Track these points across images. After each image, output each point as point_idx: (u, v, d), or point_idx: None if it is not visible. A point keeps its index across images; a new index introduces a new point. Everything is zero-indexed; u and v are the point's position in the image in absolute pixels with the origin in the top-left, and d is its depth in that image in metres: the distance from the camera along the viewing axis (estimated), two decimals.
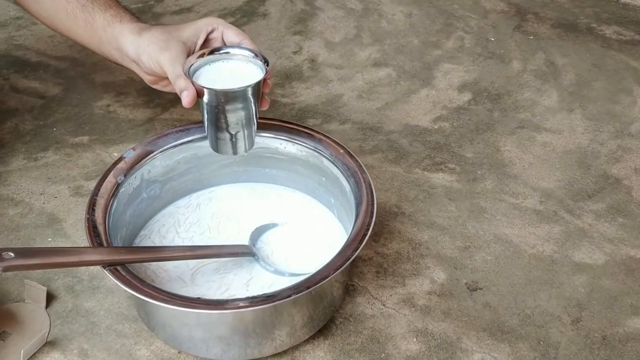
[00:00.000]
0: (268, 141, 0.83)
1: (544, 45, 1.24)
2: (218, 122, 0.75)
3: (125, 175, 0.76)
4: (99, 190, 0.74)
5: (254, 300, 0.63)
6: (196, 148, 0.81)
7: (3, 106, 1.07)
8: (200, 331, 0.68)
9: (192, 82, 0.74)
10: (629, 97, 1.11)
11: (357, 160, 0.78)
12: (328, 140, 0.81)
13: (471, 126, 1.05)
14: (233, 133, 0.76)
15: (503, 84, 1.14)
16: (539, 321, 0.75)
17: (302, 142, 0.82)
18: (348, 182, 0.77)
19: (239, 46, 0.78)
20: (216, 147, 0.78)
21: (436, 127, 1.04)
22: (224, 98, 0.73)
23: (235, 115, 0.74)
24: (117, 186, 0.75)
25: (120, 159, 0.78)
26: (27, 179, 0.93)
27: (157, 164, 0.80)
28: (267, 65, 0.75)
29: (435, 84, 1.14)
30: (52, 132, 1.02)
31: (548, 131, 1.04)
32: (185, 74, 0.75)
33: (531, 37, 1.26)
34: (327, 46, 1.24)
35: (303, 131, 0.82)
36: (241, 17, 1.32)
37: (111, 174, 0.76)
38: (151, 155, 0.79)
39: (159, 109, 1.06)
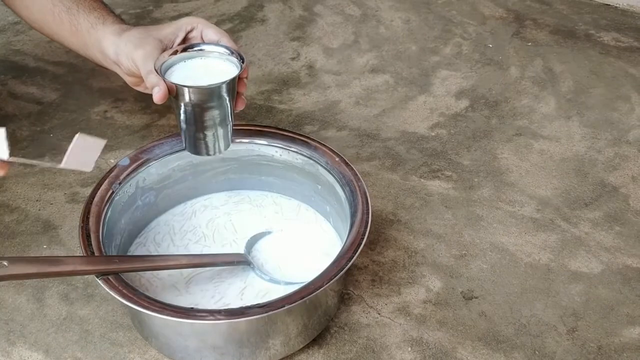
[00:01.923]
0: (264, 149, 0.82)
1: (542, 52, 1.24)
2: (191, 121, 0.73)
3: (120, 183, 0.76)
4: (93, 198, 0.74)
5: (248, 310, 0.63)
6: (191, 155, 0.81)
7: (0, 112, 1.07)
8: (194, 341, 0.67)
9: (164, 79, 0.72)
10: (627, 104, 1.11)
11: (352, 169, 0.78)
12: (324, 148, 0.81)
13: (468, 133, 1.04)
14: (207, 133, 0.74)
15: (501, 91, 1.14)
16: (535, 331, 0.75)
17: (298, 149, 0.81)
18: (343, 190, 0.77)
19: (214, 43, 0.77)
20: (190, 147, 0.77)
21: (433, 134, 1.04)
22: (196, 95, 0.71)
23: (208, 114, 0.73)
24: (112, 194, 0.75)
25: (115, 167, 0.78)
26: (23, 186, 0.93)
27: (153, 172, 0.80)
28: (243, 63, 0.74)
29: (433, 91, 1.14)
30: (49, 138, 1.01)
31: (545, 138, 1.04)
32: (157, 71, 0.73)
33: (529, 44, 1.26)
34: (325, 52, 1.24)
35: (298, 139, 0.82)
36: (239, 23, 1.32)
37: (106, 182, 0.76)
38: (146, 162, 0.79)
39: (156, 115, 1.06)
